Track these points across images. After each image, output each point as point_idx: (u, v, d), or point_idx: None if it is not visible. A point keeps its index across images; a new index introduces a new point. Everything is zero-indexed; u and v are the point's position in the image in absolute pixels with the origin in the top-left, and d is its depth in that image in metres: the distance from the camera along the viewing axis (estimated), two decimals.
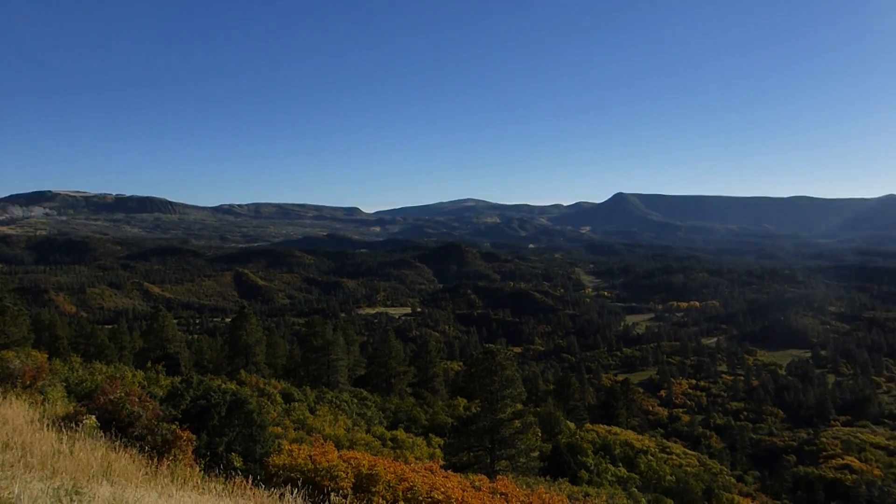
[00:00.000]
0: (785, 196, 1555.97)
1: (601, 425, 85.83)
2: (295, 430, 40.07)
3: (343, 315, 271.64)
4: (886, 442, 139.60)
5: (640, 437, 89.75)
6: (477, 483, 23.77)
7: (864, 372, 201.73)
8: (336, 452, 20.60)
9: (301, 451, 19.75)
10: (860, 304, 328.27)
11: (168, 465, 14.61)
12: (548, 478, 40.81)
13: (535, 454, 40.60)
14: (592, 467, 58.42)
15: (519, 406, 39.91)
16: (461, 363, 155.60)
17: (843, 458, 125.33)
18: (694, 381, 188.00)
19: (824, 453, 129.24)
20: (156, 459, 14.59)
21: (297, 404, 53.27)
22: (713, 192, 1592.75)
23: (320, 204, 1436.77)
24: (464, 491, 20.44)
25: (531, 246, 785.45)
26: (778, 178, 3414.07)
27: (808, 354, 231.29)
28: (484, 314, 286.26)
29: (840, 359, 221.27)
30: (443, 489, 19.26)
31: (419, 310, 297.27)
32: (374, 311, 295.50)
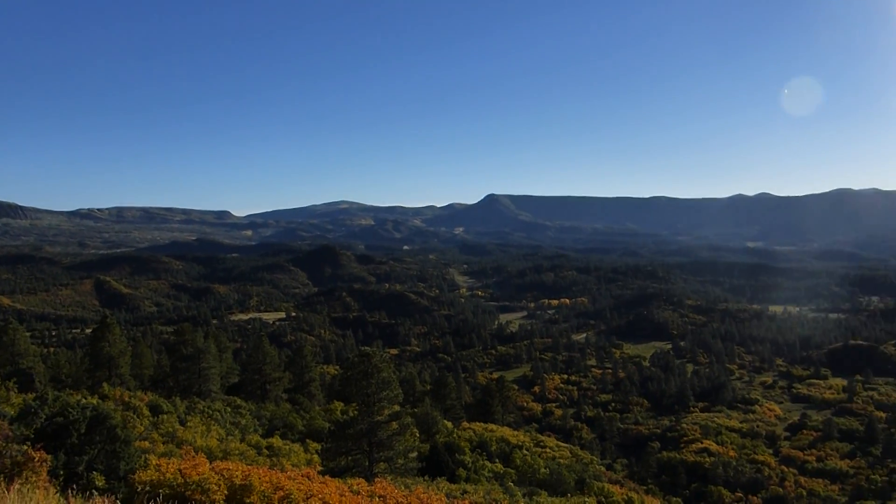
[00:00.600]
0: (646, 196, 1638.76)
1: (478, 423, 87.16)
2: (164, 443, 38.28)
3: (215, 322, 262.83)
4: (739, 425, 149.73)
5: (516, 432, 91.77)
6: (355, 487, 23.53)
7: (718, 360, 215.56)
8: (208, 464, 19.84)
9: (170, 466, 18.86)
10: (714, 297, 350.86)
11: (18, 488, 13.55)
12: (426, 478, 40.99)
13: (414, 455, 40.66)
14: (470, 465, 59.21)
15: (396, 408, 39.90)
16: (338, 367, 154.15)
17: (702, 442, 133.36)
18: (566, 376, 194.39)
19: (685, 438, 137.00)
20: (3, 484, 13.49)
21: (166, 416, 50.91)
22: (580, 193, 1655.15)
23: (189, 207, 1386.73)
24: (342, 496, 20.18)
25: (406, 247, 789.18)
26: (639, 180, 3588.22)
27: (669, 346, 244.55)
28: (360, 317, 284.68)
29: (697, 349, 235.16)
30: (320, 495, 18.95)
31: (294, 314, 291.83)
32: (247, 317, 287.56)
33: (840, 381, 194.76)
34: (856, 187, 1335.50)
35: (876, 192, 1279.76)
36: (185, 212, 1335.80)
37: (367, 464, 35.74)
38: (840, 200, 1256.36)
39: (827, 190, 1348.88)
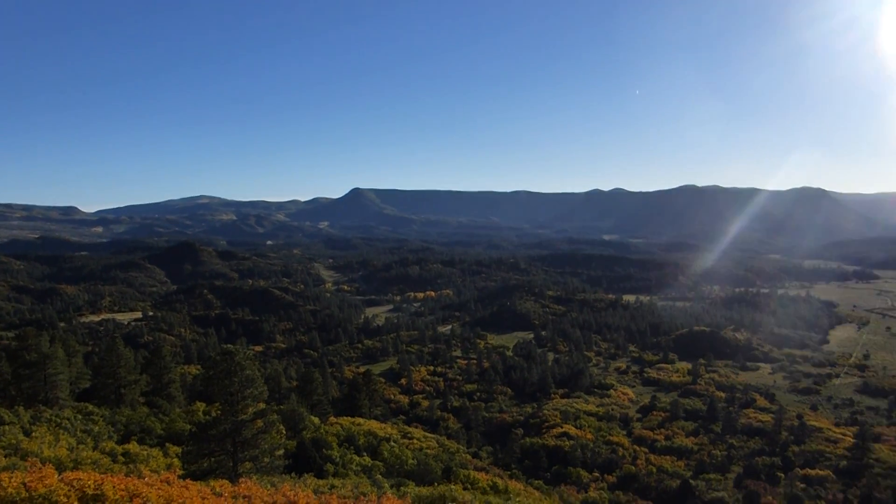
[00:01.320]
0: (508, 190, 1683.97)
1: (345, 417, 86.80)
2: (6, 456, 35.72)
3: (62, 324, 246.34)
4: (596, 409, 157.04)
5: (383, 425, 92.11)
6: (218, 489, 22.93)
7: (577, 348, 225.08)
8: (56, 476, 18.70)
9: (13, 480, 17.64)
10: (573, 288, 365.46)
11: None
12: (293, 475, 40.47)
13: (280, 452, 40.04)
14: (338, 459, 58.94)
15: (261, 405, 39.10)
16: (199, 367, 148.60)
17: (562, 427, 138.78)
18: (432, 368, 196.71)
19: (546, 424, 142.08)
20: None
21: (7, 427, 47.49)
22: (445, 187, 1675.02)
23: (30, 203, 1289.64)
24: (203, 499, 19.64)
25: (269, 243, 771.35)
26: (502, 174, 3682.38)
27: (532, 336, 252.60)
28: (222, 314, 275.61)
29: (558, 338, 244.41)
30: (180, 500, 18.37)
31: (151, 313, 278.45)
32: (98, 318, 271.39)
33: (685, 365, 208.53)
34: (700, 184, 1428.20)
35: (717, 189, 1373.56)
36: (25, 208, 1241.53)
37: (231, 464, 34.87)
38: (687, 196, 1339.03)
39: (675, 186, 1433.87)
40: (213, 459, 34.92)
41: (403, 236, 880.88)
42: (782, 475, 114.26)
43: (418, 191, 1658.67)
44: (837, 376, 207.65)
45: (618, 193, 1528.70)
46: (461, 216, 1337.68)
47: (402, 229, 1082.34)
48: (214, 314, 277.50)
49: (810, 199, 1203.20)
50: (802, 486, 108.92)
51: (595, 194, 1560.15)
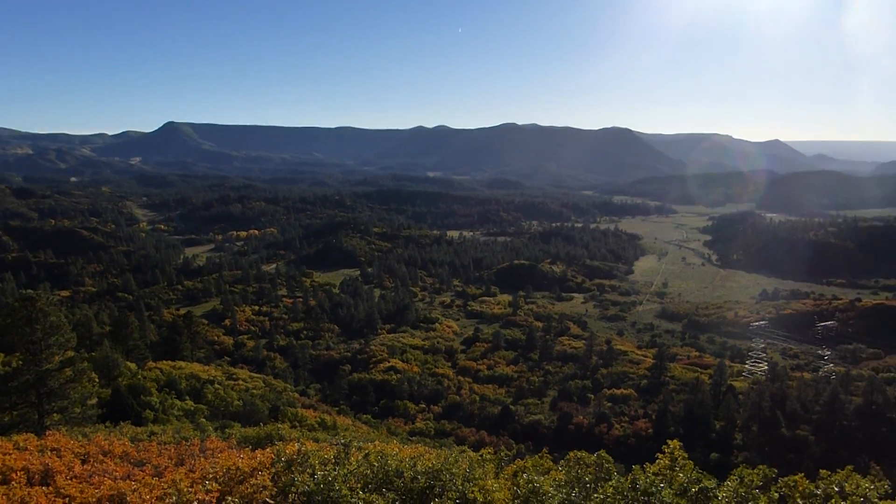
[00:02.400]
0: (333, 126, 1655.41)
1: (166, 361, 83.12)
2: None
3: None
4: (422, 343, 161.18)
5: (207, 367, 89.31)
6: (22, 444, 21.13)
7: (403, 284, 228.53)
8: None
9: None
10: (398, 224, 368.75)
11: None
12: (108, 424, 38.24)
13: (93, 402, 37.62)
14: (158, 405, 56.50)
15: (70, 353, 36.34)
16: None
17: (389, 362, 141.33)
18: (257, 308, 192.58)
19: (374, 359, 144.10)
20: None
21: None
22: (267, 122, 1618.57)
23: None
24: (5, 455, 17.99)
25: (74, 179, 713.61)
26: (326, 109, 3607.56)
27: (358, 273, 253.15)
28: (20, 257, 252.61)
29: (384, 274, 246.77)
30: None
31: None
32: None
33: (506, 297, 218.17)
34: (520, 122, 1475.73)
35: (536, 128, 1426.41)
36: None
37: (36, 417, 32.34)
38: (507, 134, 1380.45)
39: (497, 124, 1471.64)
40: (14, 413, 32.21)
41: (224, 173, 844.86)
42: (592, 396, 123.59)
43: (239, 126, 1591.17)
44: (640, 303, 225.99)
45: (442, 131, 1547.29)
46: (284, 153, 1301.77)
47: (222, 166, 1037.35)
48: (11, 257, 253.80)
49: (619, 139, 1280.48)
50: (609, 404, 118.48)
51: (420, 131, 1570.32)
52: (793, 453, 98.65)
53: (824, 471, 13.14)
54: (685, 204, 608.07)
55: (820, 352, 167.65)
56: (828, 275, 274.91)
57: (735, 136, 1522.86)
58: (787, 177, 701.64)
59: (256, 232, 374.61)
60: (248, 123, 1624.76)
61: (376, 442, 28.26)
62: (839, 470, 13.13)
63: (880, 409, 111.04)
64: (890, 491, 12.65)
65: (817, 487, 12.50)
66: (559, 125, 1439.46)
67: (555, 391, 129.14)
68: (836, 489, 12.34)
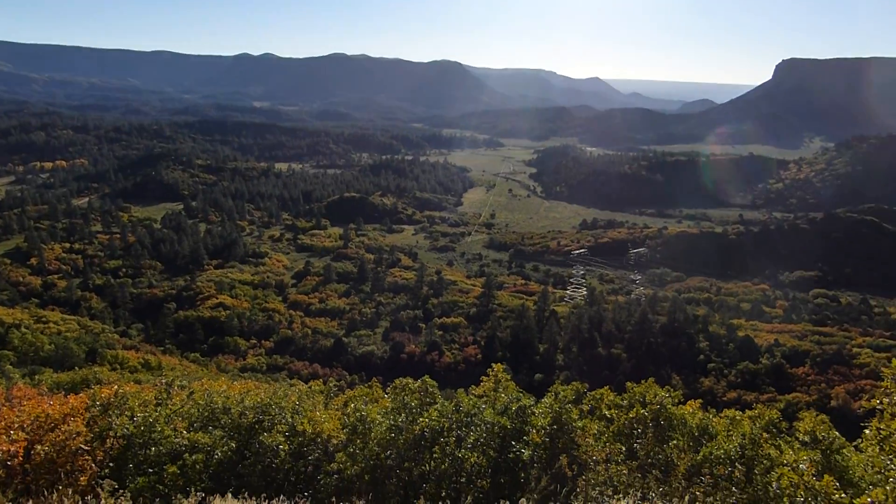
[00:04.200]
0: (149, 50, 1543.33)
1: None
2: None
3: None
4: (252, 277, 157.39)
5: (12, 310, 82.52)
6: None
7: (230, 218, 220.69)
8: None
9: None
10: (223, 156, 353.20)
11: None
12: None
13: None
14: None
15: None
16: None
17: (217, 298, 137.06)
18: (68, 245, 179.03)
19: (201, 296, 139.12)
20: None
21: None
22: (72, 42, 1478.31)
23: None
24: None
25: None
26: (140, 30, 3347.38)
27: (181, 207, 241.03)
28: None
29: (209, 208, 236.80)
30: None
31: None
32: None
33: (337, 230, 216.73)
34: (349, 52, 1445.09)
35: (365, 58, 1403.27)
36: None
37: None
38: (336, 64, 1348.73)
39: (325, 53, 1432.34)
40: None
41: (23, 97, 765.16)
42: (423, 325, 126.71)
43: (40, 45, 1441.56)
44: (469, 234, 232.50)
45: (268, 59, 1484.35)
46: (94, 77, 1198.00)
47: (20, 89, 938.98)
48: None
49: (448, 72, 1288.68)
50: (440, 332, 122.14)
51: (245, 59, 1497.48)
52: (608, 370, 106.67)
53: (630, 383, 14.19)
54: (512, 137, 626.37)
55: (632, 276, 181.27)
56: (640, 205, 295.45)
57: (559, 73, 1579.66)
58: (605, 113, 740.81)
59: (63, 163, 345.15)
60: (50, 43, 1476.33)
61: (203, 380, 27.38)
62: (643, 382, 14.23)
63: (681, 326, 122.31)
64: (682, 399, 13.97)
65: (623, 399, 13.47)
66: (389, 56, 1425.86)
67: (387, 322, 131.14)
68: (639, 399, 13.34)
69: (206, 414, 14.28)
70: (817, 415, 14.15)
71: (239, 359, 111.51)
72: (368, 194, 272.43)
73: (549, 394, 14.18)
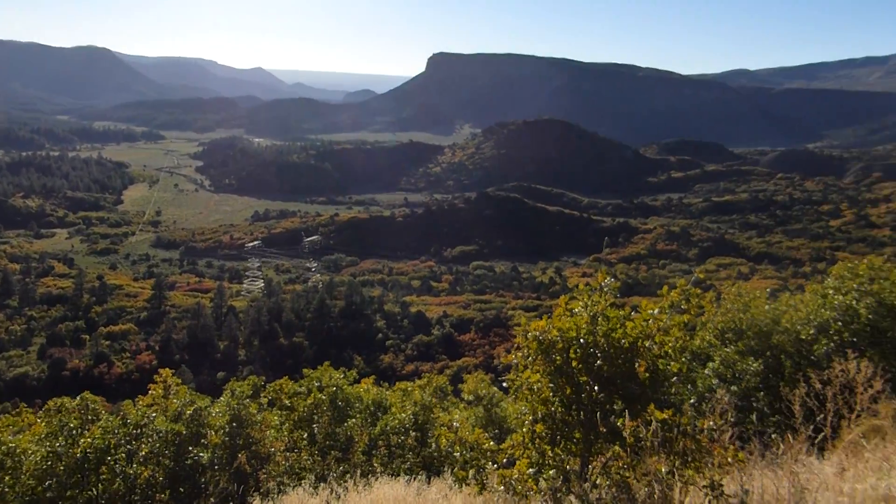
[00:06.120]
0: None
1: None
2: None
3: None
4: None
5: None
6: None
7: None
8: None
9: None
10: None
11: None
12: None
13: None
14: None
15: None
16: None
17: None
18: None
19: None
20: None
21: None
22: None
23: None
24: None
25: None
26: None
27: None
28: None
29: None
30: None
31: None
32: None
33: None
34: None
35: (37, 46, 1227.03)
36: None
37: None
38: None
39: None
40: None
41: None
42: (87, 337, 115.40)
43: None
44: (134, 234, 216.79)
45: None
46: None
47: None
48: None
49: (97, 60, 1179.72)
50: (108, 342, 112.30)
51: None
52: (291, 359, 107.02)
53: (306, 370, 14.43)
54: (175, 129, 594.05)
55: (308, 264, 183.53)
56: (312, 194, 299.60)
57: (220, 62, 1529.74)
58: (271, 103, 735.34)
59: None
60: None
61: None
62: (318, 367, 14.56)
63: (359, 308, 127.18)
64: (357, 377, 14.64)
65: (300, 386, 13.66)
66: (23, 40, 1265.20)
67: (42, 337, 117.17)
68: (317, 384, 13.63)
69: None
70: (486, 374, 15.80)
71: None
72: (7, 196, 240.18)
73: (225, 392, 13.88)
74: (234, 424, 12.81)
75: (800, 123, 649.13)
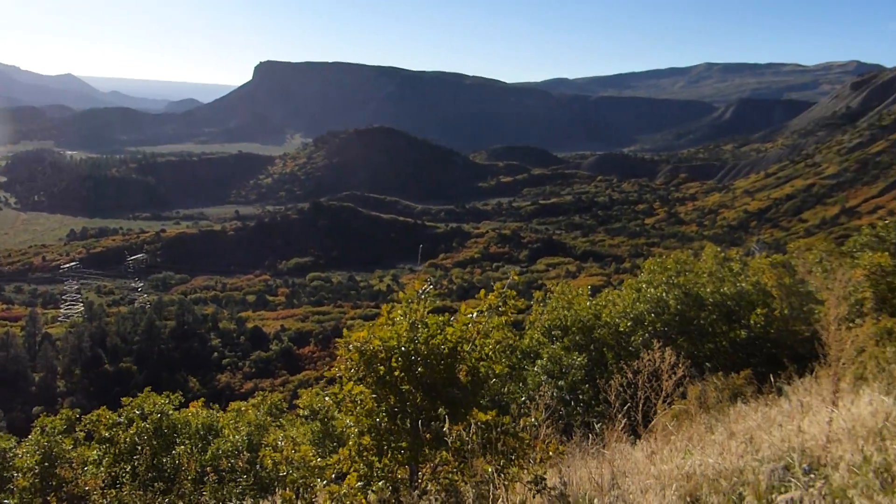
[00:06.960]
0: None
1: None
2: None
3: None
4: None
5: None
6: None
7: None
8: None
9: None
10: None
11: None
12: None
13: None
14: None
15: None
16: None
17: None
18: None
19: None
20: None
21: None
22: None
23: None
24: None
25: None
26: None
27: None
28: None
29: None
30: None
31: None
32: None
33: None
34: None
35: None
36: None
37: None
38: None
39: None
40: None
41: None
42: None
43: None
44: None
45: None
46: None
47: None
48: None
49: None
50: None
51: None
52: (119, 386, 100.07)
53: (125, 398, 13.53)
54: None
55: (133, 284, 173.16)
56: (134, 209, 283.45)
57: (23, 68, 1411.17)
58: (84, 113, 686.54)
59: None
60: None
61: None
62: (138, 394, 13.69)
63: (191, 327, 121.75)
64: (183, 401, 13.92)
65: (119, 415, 12.81)
66: None
67: None
68: (138, 412, 12.84)
69: None
70: (322, 389, 15.48)
71: None
72: None
73: (35, 429, 12.76)
74: (46, 464, 11.81)
75: (614, 129, 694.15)
